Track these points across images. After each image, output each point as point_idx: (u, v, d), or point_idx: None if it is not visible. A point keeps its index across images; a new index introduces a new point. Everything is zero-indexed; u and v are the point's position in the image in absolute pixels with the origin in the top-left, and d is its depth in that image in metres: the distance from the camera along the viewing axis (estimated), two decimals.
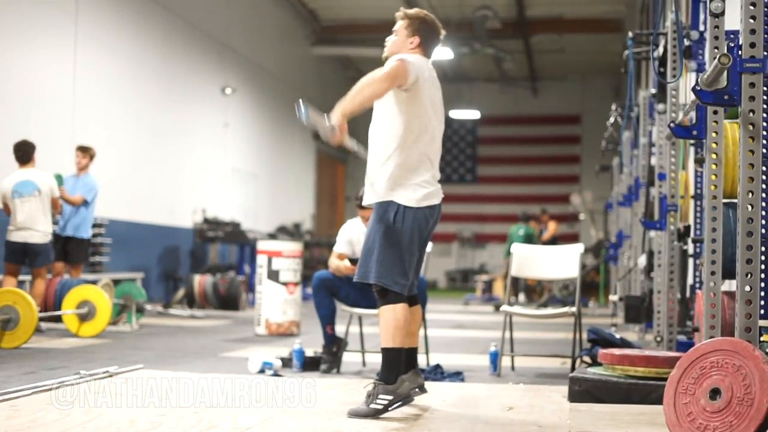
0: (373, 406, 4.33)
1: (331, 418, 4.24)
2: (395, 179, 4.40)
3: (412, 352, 4.62)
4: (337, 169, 24.60)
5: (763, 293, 3.91)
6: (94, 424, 3.97)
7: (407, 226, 4.39)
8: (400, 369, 4.41)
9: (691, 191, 6.77)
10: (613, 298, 9.82)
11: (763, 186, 3.66)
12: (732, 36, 4.15)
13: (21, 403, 4.47)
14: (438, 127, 4.57)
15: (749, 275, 3.46)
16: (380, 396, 4.34)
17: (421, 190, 4.41)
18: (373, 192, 4.48)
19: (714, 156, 3.92)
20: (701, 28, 6.11)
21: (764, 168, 3.66)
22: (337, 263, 6.06)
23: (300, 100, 4.11)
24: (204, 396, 4.86)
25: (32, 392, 4.74)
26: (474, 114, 24.30)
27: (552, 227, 17.47)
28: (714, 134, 3.95)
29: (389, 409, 4.33)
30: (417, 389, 4.51)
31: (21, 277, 8.61)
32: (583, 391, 4.72)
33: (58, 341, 7.73)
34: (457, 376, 5.86)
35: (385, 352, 4.40)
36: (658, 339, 6.56)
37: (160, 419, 4.11)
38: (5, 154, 9.71)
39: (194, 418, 4.17)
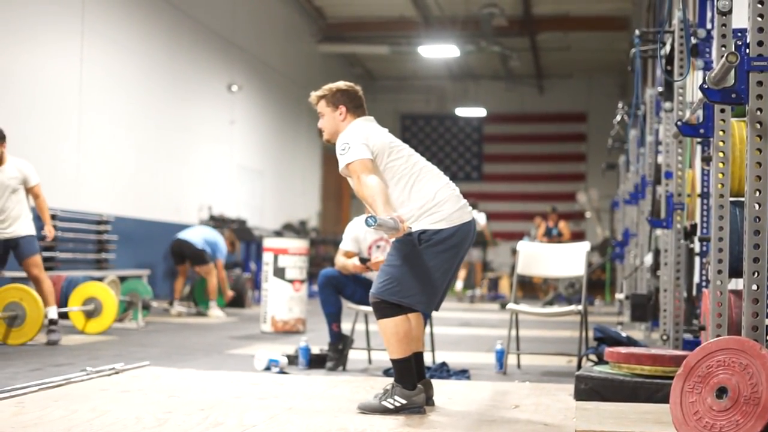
0: (384, 403, 4.35)
1: (337, 416, 4.24)
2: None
3: (419, 359, 4.63)
4: None
5: None
6: (101, 421, 3.98)
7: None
8: (414, 375, 4.43)
9: (698, 190, 6.76)
10: (619, 296, 9.80)
11: None
12: (739, 34, 4.13)
13: (27, 399, 4.48)
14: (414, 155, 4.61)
15: (756, 274, 3.45)
16: (396, 397, 4.35)
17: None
18: None
19: (721, 154, 3.91)
20: (708, 26, 6.10)
21: None
22: (343, 261, 6.06)
23: (370, 219, 4.00)
24: (210, 393, 4.87)
25: (38, 389, 4.75)
26: (480, 112, 24.28)
27: (567, 232, 17.44)
28: (721, 133, 3.94)
29: (399, 412, 4.34)
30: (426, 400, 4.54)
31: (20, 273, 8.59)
32: (590, 390, 4.72)
33: (64, 338, 7.73)
34: (462, 374, 5.86)
35: (394, 362, 4.44)
36: (665, 337, 6.55)
37: (166, 416, 4.11)
38: (10, 151, 9.74)
39: (200, 415, 4.17)
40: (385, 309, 4.37)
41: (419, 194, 4.43)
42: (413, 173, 4.47)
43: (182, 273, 11.29)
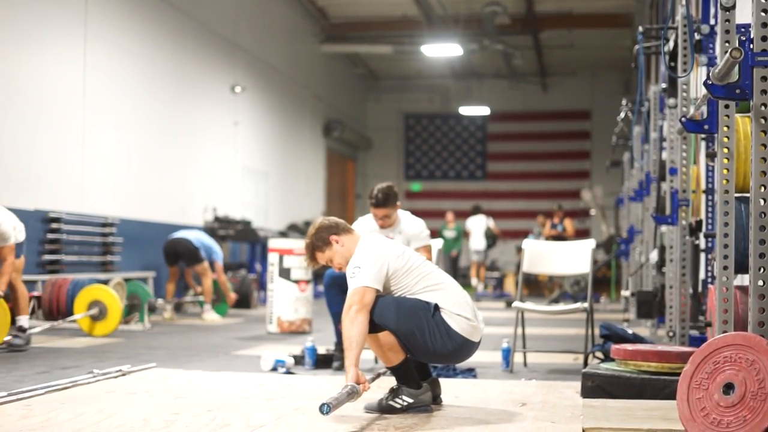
0: (391, 403, 4.34)
1: (344, 416, 4.24)
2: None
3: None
4: (347, 166, 24.61)
5: None
6: (108, 423, 3.98)
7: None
8: (415, 373, 4.42)
9: (703, 186, 6.76)
10: (624, 293, 9.82)
11: None
12: (743, 29, 4.12)
13: (34, 402, 4.48)
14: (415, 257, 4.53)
15: (762, 269, 3.45)
16: (403, 396, 4.34)
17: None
18: None
19: (726, 150, 3.91)
20: (712, 21, 6.09)
21: None
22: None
23: (324, 407, 3.82)
24: (217, 394, 4.88)
25: (45, 392, 4.75)
26: (483, 110, 24.27)
27: (570, 228, 17.46)
28: (725, 128, 3.93)
29: (406, 411, 4.33)
30: (433, 398, 4.53)
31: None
32: (596, 387, 4.72)
33: (71, 340, 7.75)
34: (469, 372, 5.86)
35: (392, 370, 4.41)
36: (671, 334, 6.55)
37: (174, 418, 4.12)
38: (15, 155, 9.75)
39: (207, 416, 4.18)
40: (374, 326, 4.30)
41: (439, 299, 4.36)
42: (429, 285, 4.40)
43: (173, 275, 11.14)
